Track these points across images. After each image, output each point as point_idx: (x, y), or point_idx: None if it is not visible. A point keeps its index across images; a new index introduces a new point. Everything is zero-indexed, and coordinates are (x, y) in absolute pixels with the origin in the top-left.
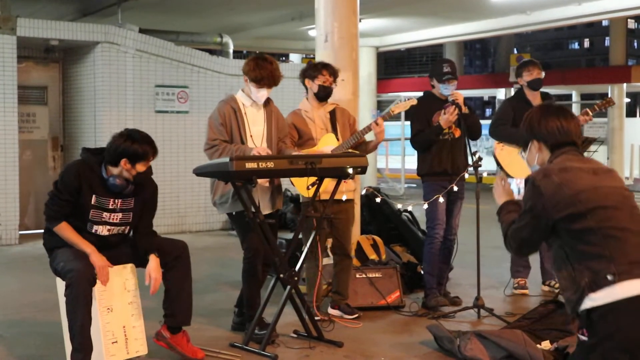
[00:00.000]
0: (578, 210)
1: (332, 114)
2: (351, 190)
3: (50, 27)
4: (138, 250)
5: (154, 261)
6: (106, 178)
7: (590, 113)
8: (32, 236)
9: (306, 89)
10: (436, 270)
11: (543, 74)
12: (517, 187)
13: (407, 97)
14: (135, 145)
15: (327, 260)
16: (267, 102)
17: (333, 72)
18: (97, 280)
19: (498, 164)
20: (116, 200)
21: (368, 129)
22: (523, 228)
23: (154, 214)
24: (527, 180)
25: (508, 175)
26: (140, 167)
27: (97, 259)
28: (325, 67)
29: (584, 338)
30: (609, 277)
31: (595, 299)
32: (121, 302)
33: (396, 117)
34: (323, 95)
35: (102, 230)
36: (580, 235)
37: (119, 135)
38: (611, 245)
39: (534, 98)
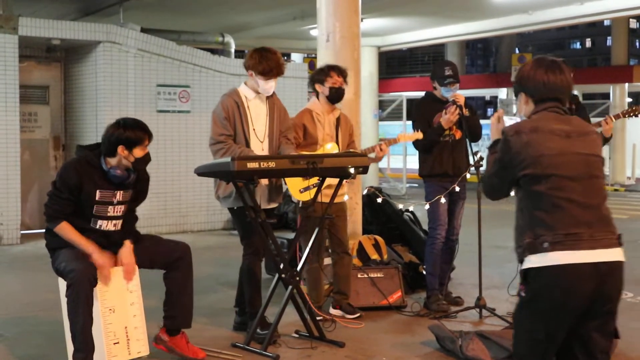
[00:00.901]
0: (536, 172)
1: (337, 120)
2: (342, 194)
3: (52, 26)
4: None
5: (126, 247)
6: (107, 170)
7: (612, 121)
8: (34, 236)
9: (317, 94)
10: (438, 270)
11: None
12: None
13: (409, 96)
14: (129, 131)
15: (327, 260)
16: (270, 94)
17: (341, 72)
18: (99, 280)
19: None
20: (119, 193)
21: (372, 149)
22: (493, 176)
23: (141, 202)
24: (503, 132)
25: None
26: (138, 152)
27: (99, 258)
28: (332, 68)
29: (523, 294)
30: (545, 245)
31: (531, 262)
32: (123, 302)
33: (397, 117)
34: (335, 97)
35: (108, 225)
36: (534, 198)
37: (111, 125)
38: (556, 214)
39: None
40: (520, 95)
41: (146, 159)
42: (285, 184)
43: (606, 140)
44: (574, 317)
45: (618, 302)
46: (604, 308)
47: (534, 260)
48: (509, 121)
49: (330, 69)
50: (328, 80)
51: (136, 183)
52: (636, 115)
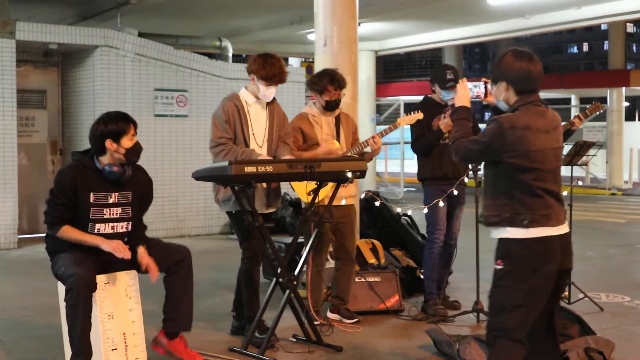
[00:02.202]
0: (524, 165)
1: (337, 119)
2: (352, 196)
3: (49, 30)
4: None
5: (142, 250)
6: (102, 169)
7: (583, 118)
8: (31, 240)
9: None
10: (436, 275)
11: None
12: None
13: (406, 100)
14: (111, 124)
15: (328, 264)
16: (271, 100)
17: (339, 86)
18: (98, 285)
19: None
20: (114, 194)
21: (366, 143)
22: (474, 151)
23: (148, 207)
24: (499, 122)
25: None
26: (126, 143)
27: (108, 244)
28: (331, 82)
29: (499, 267)
30: (525, 222)
31: (510, 233)
32: (122, 308)
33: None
34: (332, 107)
35: (105, 228)
36: (517, 182)
37: (94, 123)
38: (534, 199)
39: None
40: (501, 83)
41: (136, 148)
42: (293, 188)
43: (572, 132)
44: (552, 283)
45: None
46: (562, 281)
47: (513, 232)
48: (473, 88)
49: (329, 83)
50: (325, 93)
51: (135, 184)
52: (598, 110)
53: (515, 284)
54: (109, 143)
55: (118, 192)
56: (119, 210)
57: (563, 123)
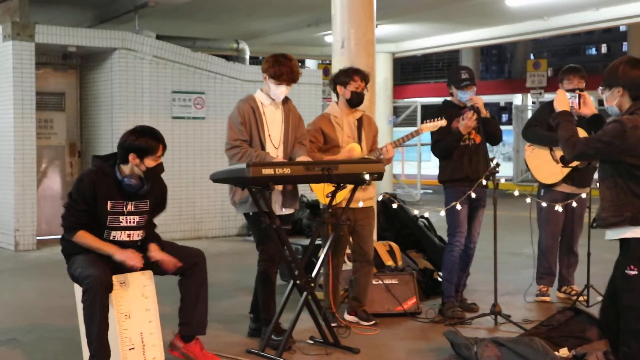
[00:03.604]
0: None
1: (359, 121)
2: (370, 198)
3: (68, 33)
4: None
5: (153, 247)
6: (121, 179)
7: None
8: (50, 242)
9: (337, 95)
10: (455, 277)
11: (584, 84)
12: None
13: (423, 102)
14: (141, 139)
15: (345, 266)
16: (286, 101)
17: (364, 77)
18: (114, 286)
19: (527, 166)
20: (131, 203)
21: (379, 152)
22: (593, 148)
23: (161, 213)
24: (595, 118)
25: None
26: (149, 162)
27: (122, 254)
28: (356, 72)
29: (634, 272)
30: None
31: (636, 232)
32: (139, 308)
33: (412, 123)
34: (356, 101)
35: (121, 235)
36: (637, 179)
37: (127, 132)
38: None
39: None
40: (616, 88)
41: (158, 170)
42: (312, 190)
43: None
44: None
45: None
46: None
47: (637, 232)
48: (569, 98)
49: (354, 73)
50: (351, 83)
51: (152, 194)
52: None
53: None
54: (132, 157)
55: (135, 200)
56: (136, 218)
57: None
